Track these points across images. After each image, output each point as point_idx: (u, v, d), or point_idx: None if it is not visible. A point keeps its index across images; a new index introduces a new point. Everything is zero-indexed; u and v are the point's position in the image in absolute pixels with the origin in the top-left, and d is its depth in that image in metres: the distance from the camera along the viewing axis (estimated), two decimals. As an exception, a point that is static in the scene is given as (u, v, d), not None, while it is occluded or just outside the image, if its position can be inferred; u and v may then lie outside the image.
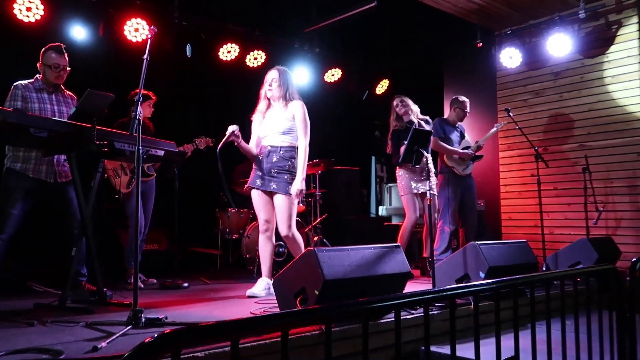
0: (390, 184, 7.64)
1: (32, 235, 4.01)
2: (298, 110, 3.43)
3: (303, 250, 3.21)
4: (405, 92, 5.05)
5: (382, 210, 7.84)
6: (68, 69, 3.57)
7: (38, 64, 3.57)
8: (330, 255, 2.51)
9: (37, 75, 3.59)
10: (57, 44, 3.59)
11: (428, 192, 3.21)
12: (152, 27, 2.88)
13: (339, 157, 6.51)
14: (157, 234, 5.39)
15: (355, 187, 7.42)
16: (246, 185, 3.54)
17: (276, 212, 3.43)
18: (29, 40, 4.46)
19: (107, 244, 4.81)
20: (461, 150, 4.97)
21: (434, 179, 3.13)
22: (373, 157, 8.71)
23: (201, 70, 5.99)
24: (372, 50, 7.64)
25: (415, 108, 4.79)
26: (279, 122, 3.43)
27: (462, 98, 5.14)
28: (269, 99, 3.48)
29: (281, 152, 3.39)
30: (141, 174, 4.48)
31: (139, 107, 2.55)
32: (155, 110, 4.58)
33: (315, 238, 5.59)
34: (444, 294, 1.65)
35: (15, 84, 3.47)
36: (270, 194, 3.44)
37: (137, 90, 4.52)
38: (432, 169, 3.19)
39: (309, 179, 6.24)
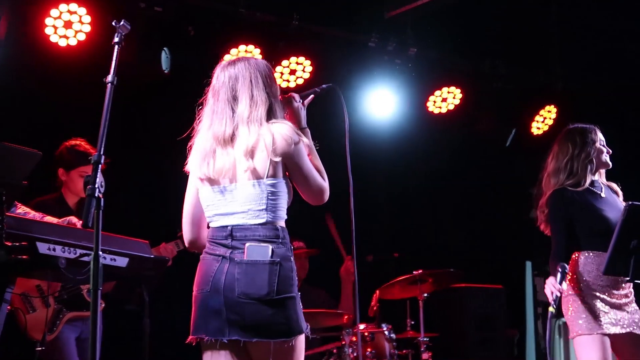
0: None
1: None
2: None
3: None
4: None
5: (553, 372, 7.80)
6: None
7: None
8: None
9: None
10: None
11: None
12: (119, 23, 2.81)
13: (462, 266, 6.32)
14: None
15: (497, 324, 7.17)
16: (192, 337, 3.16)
17: None
18: None
19: None
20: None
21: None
22: (528, 264, 8.34)
23: (190, 97, 5.77)
24: (522, 51, 7.44)
25: (605, 159, 4.62)
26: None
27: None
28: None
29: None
30: (80, 304, 4.61)
31: (98, 173, 2.53)
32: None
33: None
34: None
35: None
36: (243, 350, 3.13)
37: (73, 142, 4.70)
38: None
39: (400, 308, 6.21)
